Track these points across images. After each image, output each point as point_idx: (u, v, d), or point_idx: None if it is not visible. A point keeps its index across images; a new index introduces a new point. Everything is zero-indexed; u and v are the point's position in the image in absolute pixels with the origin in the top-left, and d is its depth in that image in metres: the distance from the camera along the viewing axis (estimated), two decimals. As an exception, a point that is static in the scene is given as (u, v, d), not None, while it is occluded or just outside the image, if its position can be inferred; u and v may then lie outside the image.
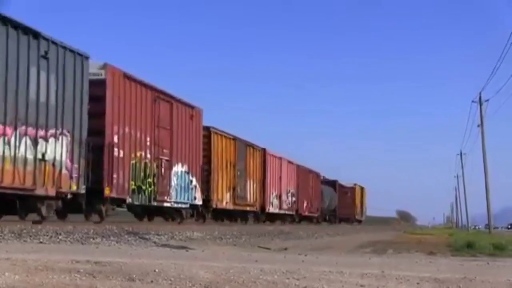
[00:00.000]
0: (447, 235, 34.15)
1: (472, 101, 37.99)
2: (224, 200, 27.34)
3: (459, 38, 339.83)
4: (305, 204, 43.56)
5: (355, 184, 66.22)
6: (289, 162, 39.51)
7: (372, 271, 7.30)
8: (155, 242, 13.05)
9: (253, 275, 6.61)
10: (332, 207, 54.50)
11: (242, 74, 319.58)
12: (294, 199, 40.17)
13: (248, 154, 30.79)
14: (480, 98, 36.33)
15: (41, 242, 10.88)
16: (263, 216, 33.90)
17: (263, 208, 33.40)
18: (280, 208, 36.72)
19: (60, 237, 11.87)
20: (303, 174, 43.14)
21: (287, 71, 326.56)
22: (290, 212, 39.38)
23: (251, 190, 31.28)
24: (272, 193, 35.22)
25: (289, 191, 39.14)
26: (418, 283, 6.57)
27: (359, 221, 68.29)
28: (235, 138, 28.94)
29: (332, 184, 56.04)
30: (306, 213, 44.00)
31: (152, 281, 6.02)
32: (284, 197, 37.60)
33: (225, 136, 27.79)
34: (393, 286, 6.44)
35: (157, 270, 6.53)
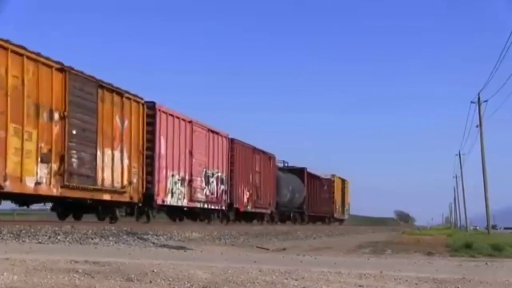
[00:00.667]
0: (446, 236, 34.17)
1: (471, 102, 38.12)
2: (30, 178, 14.71)
3: (459, 38, 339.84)
4: (245, 196, 30.67)
5: (333, 175, 53.94)
6: (211, 131, 26.19)
7: (370, 271, 7.31)
8: (153, 243, 13.05)
9: (252, 275, 6.62)
10: (298, 202, 41.77)
11: (241, 75, 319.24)
12: (223, 187, 27.40)
13: (103, 103, 17.59)
14: (479, 98, 36.39)
15: (39, 242, 10.88)
16: (151, 210, 21.47)
17: (149, 198, 20.70)
18: (191, 199, 23.92)
19: (58, 237, 11.86)
20: (243, 153, 30.32)
21: (286, 71, 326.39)
22: (215, 206, 26.73)
23: (113, 166, 18.13)
24: (172, 175, 22.32)
25: (213, 175, 26.24)
26: (416, 284, 6.58)
27: (340, 221, 57.29)
28: (65, 69, 15.91)
29: (299, 173, 42.77)
30: (249, 208, 31.29)
31: (150, 281, 6.03)
32: (199, 182, 24.63)
33: (34, 59, 14.88)
34: (392, 287, 6.46)
35: (155, 270, 6.54)
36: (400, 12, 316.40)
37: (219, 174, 27.21)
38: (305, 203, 43.47)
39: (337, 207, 55.30)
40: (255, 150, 32.68)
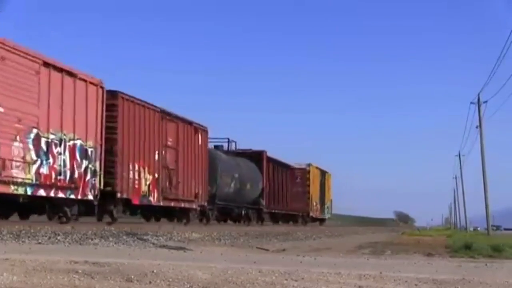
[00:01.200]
0: (446, 237, 34.15)
1: (471, 103, 38.12)
2: None
3: (459, 38, 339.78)
4: (144, 181, 20.33)
5: (309, 165, 43.78)
6: (56, 68, 16.13)
7: (370, 272, 7.32)
8: (153, 243, 13.05)
9: (251, 276, 6.62)
10: (251, 195, 31.39)
11: (241, 75, 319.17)
12: (88, 164, 17.41)
13: None
14: (478, 99, 36.40)
15: (39, 243, 10.88)
16: None
17: None
18: None
19: (58, 237, 11.87)
20: (138, 116, 19.90)
21: (286, 71, 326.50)
22: (68, 194, 16.63)
23: None
24: None
25: (61, 141, 16.37)
26: (416, 285, 6.58)
27: (320, 221, 48.67)
28: None
29: (255, 157, 32.60)
30: (153, 201, 20.93)
31: (150, 282, 6.03)
32: (16, 151, 14.68)
33: None
34: (392, 287, 6.46)
35: (155, 271, 6.54)
36: (400, 12, 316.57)
37: (79, 142, 17.19)
38: (264, 197, 33.08)
39: (314, 203, 45.47)
40: (165, 114, 21.83)
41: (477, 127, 37.22)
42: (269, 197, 34.46)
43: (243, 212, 31.13)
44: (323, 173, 48.80)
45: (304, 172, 43.00)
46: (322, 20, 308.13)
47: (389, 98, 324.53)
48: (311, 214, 44.62)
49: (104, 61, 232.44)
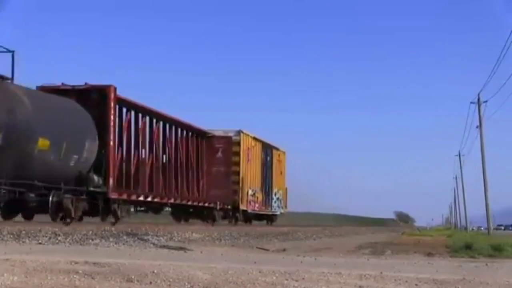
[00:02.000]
0: (446, 237, 34.12)
1: (471, 102, 38.10)
2: None
3: (458, 38, 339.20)
4: None
5: (239, 132, 29.64)
6: None
7: (370, 272, 7.31)
8: (153, 243, 13.05)
9: (252, 276, 6.62)
10: (65, 167, 16.35)
11: (241, 75, 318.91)
12: None
13: None
14: (478, 99, 36.38)
15: (40, 243, 10.88)
16: None
17: None
18: None
19: (59, 238, 11.87)
20: None
21: (286, 71, 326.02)
22: None
23: None
24: None
25: None
26: (416, 285, 6.58)
27: (267, 219, 35.00)
28: None
29: (91, 98, 18.37)
30: None
31: (150, 282, 6.03)
32: None
33: None
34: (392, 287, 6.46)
35: (155, 271, 6.54)
36: (400, 12, 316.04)
37: None
38: (110, 174, 18.67)
39: (250, 191, 30.97)
40: None
41: (477, 127, 37.20)
42: (114, 172, 18.90)
43: (51, 198, 15.98)
44: (267, 148, 33.73)
45: (229, 143, 28.73)
46: (322, 20, 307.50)
47: (388, 97, 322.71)
48: (242, 207, 30.06)
49: (104, 61, 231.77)
